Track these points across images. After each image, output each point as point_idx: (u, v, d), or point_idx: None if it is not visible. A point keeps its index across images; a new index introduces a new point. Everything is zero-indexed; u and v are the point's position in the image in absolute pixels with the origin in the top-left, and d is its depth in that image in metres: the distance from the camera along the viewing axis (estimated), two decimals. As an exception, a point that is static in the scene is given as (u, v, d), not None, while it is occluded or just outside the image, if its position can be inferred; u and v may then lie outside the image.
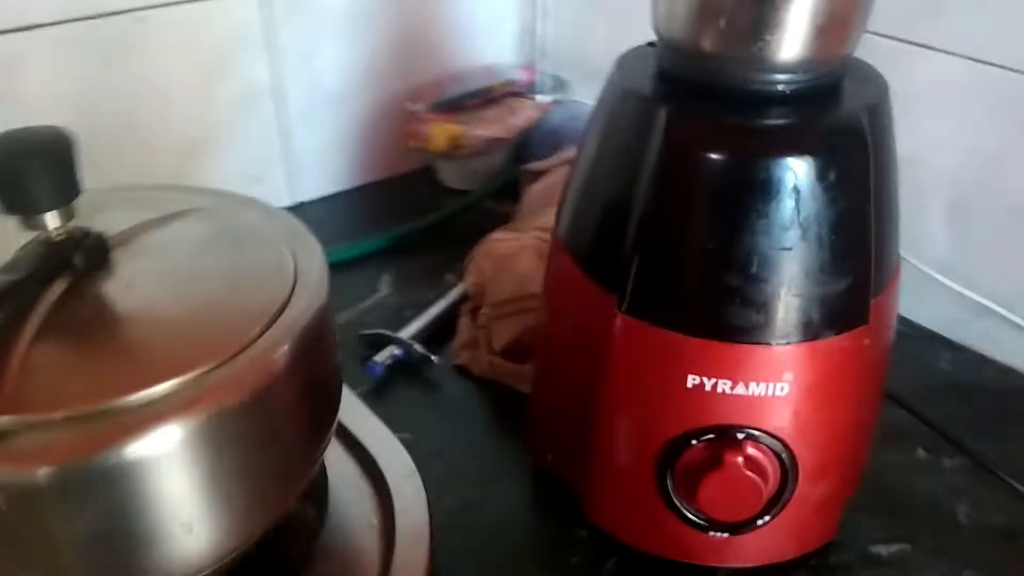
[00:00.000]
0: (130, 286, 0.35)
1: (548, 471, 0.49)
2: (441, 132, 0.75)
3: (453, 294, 0.66)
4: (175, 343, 0.32)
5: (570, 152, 0.72)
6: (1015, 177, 0.57)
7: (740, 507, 0.40)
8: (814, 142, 0.36)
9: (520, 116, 0.78)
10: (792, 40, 0.35)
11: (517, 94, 0.82)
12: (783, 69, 0.37)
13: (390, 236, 0.74)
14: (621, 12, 0.78)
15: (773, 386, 0.38)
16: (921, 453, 0.53)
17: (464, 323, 0.62)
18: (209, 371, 0.30)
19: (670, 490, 0.41)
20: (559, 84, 0.86)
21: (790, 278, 0.37)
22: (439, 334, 0.63)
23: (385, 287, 0.70)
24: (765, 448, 0.39)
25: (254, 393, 0.30)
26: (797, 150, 0.35)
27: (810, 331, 0.37)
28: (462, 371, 0.60)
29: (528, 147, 0.82)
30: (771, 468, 0.39)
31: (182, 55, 0.70)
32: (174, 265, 0.37)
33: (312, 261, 0.36)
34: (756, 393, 0.38)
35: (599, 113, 0.43)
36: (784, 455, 0.39)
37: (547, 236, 0.58)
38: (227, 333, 0.32)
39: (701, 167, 0.37)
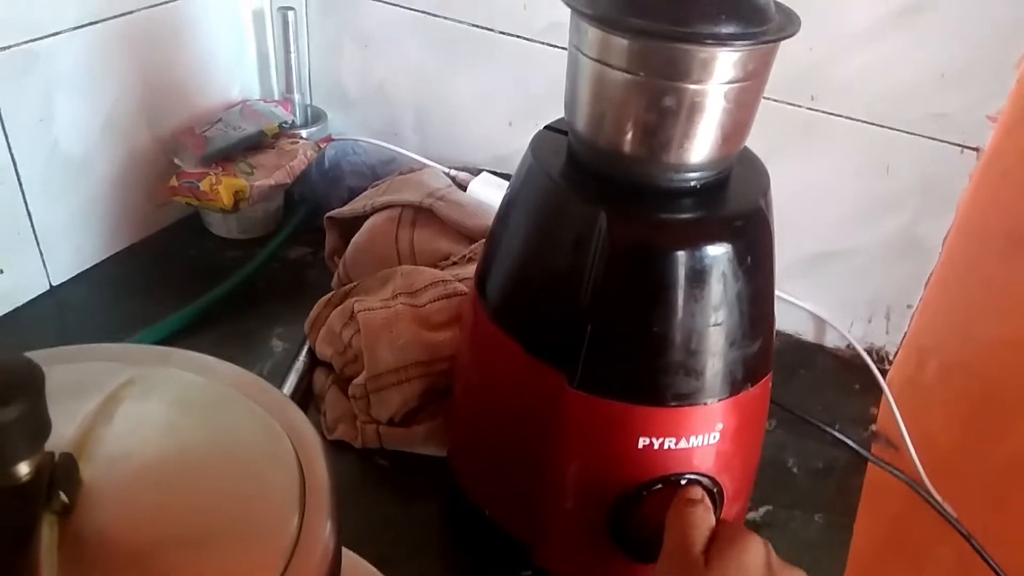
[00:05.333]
0: (128, 509, 0.31)
1: (485, 524, 0.52)
2: (226, 190, 0.71)
3: (298, 366, 0.65)
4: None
5: (372, 193, 0.73)
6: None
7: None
8: (735, 231, 0.42)
9: (297, 159, 0.76)
10: (706, 146, 0.41)
11: (287, 134, 0.79)
12: (698, 168, 0.42)
13: (199, 307, 0.69)
14: (371, 37, 0.80)
15: (707, 436, 0.44)
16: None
17: (333, 396, 0.61)
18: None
19: (623, 533, 0.46)
20: (317, 115, 0.85)
21: (719, 348, 0.43)
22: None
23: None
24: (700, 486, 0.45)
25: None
26: (723, 239, 0.41)
27: (734, 387, 0.44)
28: (342, 445, 0.60)
29: (307, 187, 0.81)
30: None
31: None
32: (158, 468, 0.34)
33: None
34: (694, 444, 0.44)
35: (523, 202, 0.46)
36: (714, 489, 0.46)
37: (415, 301, 0.60)
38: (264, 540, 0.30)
39: (643, 262, 0.42)
